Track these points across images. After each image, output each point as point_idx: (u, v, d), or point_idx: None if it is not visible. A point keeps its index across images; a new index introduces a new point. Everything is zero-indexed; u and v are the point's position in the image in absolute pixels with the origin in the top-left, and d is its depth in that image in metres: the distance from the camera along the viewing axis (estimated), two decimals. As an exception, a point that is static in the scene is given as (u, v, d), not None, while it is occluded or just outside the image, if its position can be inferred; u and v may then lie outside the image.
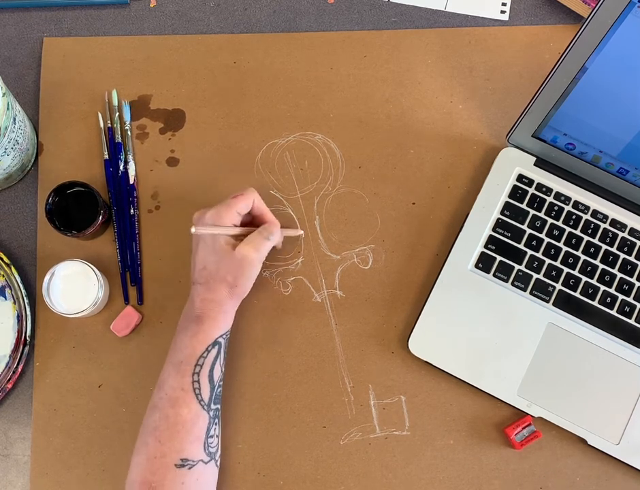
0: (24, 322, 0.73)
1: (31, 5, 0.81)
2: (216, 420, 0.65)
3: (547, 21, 0.82)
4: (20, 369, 0.73)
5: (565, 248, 0.74)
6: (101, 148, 0.78)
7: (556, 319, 0.73)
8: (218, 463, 0.66)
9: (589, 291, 0.73)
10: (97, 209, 0.72)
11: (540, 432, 0.71)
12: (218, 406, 0.66)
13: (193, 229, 0.64)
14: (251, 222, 0.71)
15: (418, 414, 0.73)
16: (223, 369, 0.67)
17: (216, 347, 0.65)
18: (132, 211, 0.76)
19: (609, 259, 0.74)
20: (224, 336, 0.66)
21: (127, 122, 0.78)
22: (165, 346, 0.73)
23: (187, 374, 0.64)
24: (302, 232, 0.76)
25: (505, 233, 0.74)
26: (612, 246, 0.74)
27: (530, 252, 0.74)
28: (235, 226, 0.67)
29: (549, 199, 0.75)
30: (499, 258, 0.74)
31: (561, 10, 0.82)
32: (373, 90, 0.80)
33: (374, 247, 0.77)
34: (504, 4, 0.82)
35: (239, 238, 0.67)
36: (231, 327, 0.68)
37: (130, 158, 0.77)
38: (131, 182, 0.76)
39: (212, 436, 0.64)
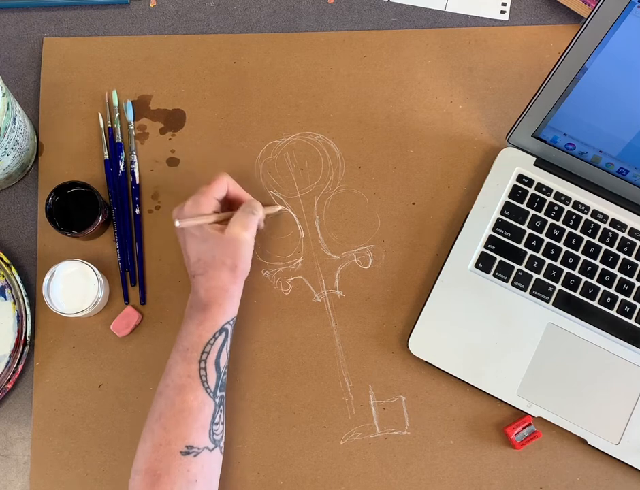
0: (24, 322, 0.73)
1: (31, 5, 0.81)
2: (221, 407, 0.66)
3: (547, 21, 0.82)
4: (20, 369, 0.73)
5: (565, 248, 0.74)
6: (101, 148, 0.78)
7: (556, 319, 0.73)
8: (223, 450, 0.66)
9: (589, 291, 0.73)
10: (97, 209, 0.72)
11: (540, 432, 0.72)
12: (224, 393, 0.66)
13: (177, 223, 0.64)
14: (229, 208, 0.71)
15: (418, 414, 0.73)
16: (229, 356, 0.67)
17: (223, 334, 0.65)
18: (137, 210, 0.76)
19: (609, 259, 0.74)
20: (230, 322, 0.66)
21: (131, 122, 0.78)
22: (165, 345, 0.74)
23: (194, 361, 0.64)
24: (281, 207, 0.76)
25: (505, 233, 0.74)
26: (612, 246, 0.74)
27: (530, 252, 0.74)
28: (216, 212, 0.68)
29: (549, 199, 0.75)
30: (499, 258, 0.74)
31: (561, 10, 0.82)
32: (373, 90, 0.80)
33: (374, 247, 0.77)
34: (504, 4, 0.82)
35: (224, 223, 0.68)
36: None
37: (134, 157, 0.77)
38: (137, 181, 0.77)
39: (217, 423, 0.65)
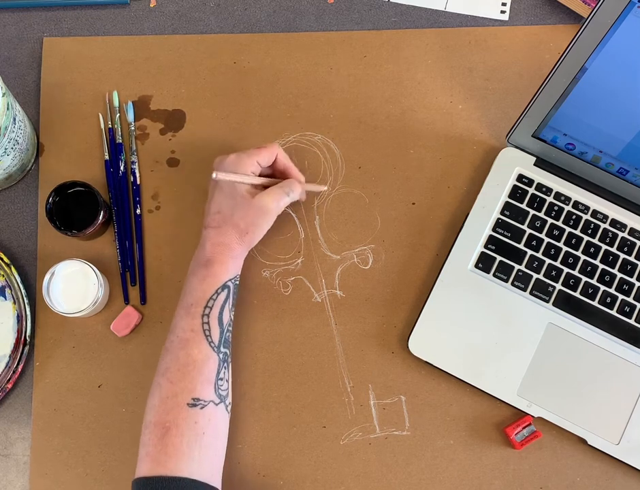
0: (24, 322, 0.73)
1: (31, 5, 0.81)
2: (225, 364, 0.66)
3: (547, 21, 0.82)
4: (20, 369, 0.73)
5: (565, 248, 0.74)
6: (101, 148, 0.78)
7: (556, 319, 0.73)
8: (229, 409, 0.67)
9: (589, 291, 0.73)
10: (97, 209, 0.72)
11: (540, 432, 0.72)
12: (227, 351, 0.67)
13: (214, 174, 0.65)
14: (272, 175, 0.72)
15: (418, 414, 0.73)
16: (232, 315, 0.68)
17: (225, 290, 0.66)
18: (138, 211, 0.76)
19: (609, 259, 0.74)
20: (233, 280, 0.67)
21: (132, 123, 0.78)
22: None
23: (197, 316, 0.65)
24: (326, 188, 0.77)
25: (505, 233, 0.74)
26: (612, 246, 0.74)
27: (530, 252, 0.74)
28: (255, 175, 0.69)
29: (549, 199, 0.75)
30: (499, 258, 0.74)
31: (561, 10, 0.82)
32: (373, 90, 0.80)
33: (374, 247, 0.77)
34: (504, 4, 0.82)
35: (257, 187, 0.69)
36: (240, 275, 0.69)
37: (135, 158, 0.77)
38: (138, 182, 0.77)
39: (221, 379, 0.65)
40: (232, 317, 0.68)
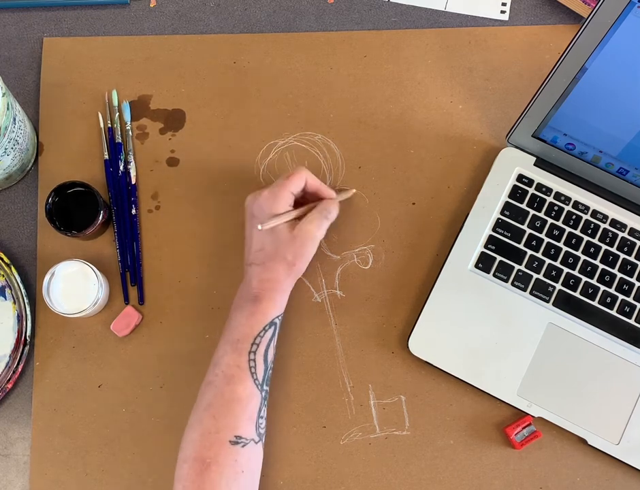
0: (24, 322, 0.73)
1: (31, 5, 0.81)
2: (265, 401, 0.66)
3: (547, 21, 0.82)
4: (20, 369, 0.73)
5: (565, 248, 0.74)
6: (101, 148, 0.78)
7: (556, 319, 0.73)
8: (264, 447, 0.67)
9: (589, 291, 0.73)
10: (97, 209, 0.72)
11: (540, 432, 0.72)
12: (268, 388, 0.67)
13: (259, 226, 0.66)
14: (303, 196, 0.71)
15: (418, 414, 0.73)
16: (275, 352, 0.67)
17: (272, 327, 0.66)
18: (134, 211, 0.76)
19: (609, 259, 0.74)
20: (279, 317, 0.67)
21: (128, 123, 0.78)
22: (165, 346, 0.74)
23: (244, 353, 0.64)
24: (355, 190, 0.76)
25: (505, 233, 0.74)
26: (612, 246, 0.74)
27: (529, 252, 0.74)
28: (292, 207, 0.69)
29: (549, 199, 0.75)
30: (499, 258, 0.74)
31: (561, 10, 0.82)
32: (373, 90, 0.80)
33: (374, 247, 0.77)
34: (504, 4, 0.82)
35: (296, 219, 0.69)
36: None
37: (131, 158, 0.77)
38: (133, 182, 0.76)
39: (262, 417, 0.65)
40: (275, 354, 0.68)
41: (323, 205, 0.69)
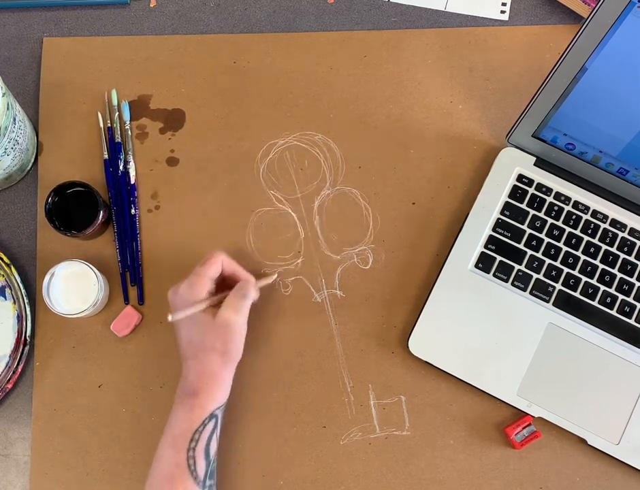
0: (24, 322, 0.73)
1: (31, 5, 0.81)
2: None
3: (547, 21, 0.82)
4: (20, 369, 0.73)
5: (565, 248, 0.74)
6: (101, 147, 0.78)
7: (556, 319, 0.73)
8: None
9: (589, 291, 0.73)
10: (97, 209, 0.72)
11: (540, 432, 0.72)
12: (213, 481, 0.64)
13: (169, 317, 0.64)
14: (223, 281, 0.69)
15: (418, 414, 0.73)
16: (218, 442, 0.65)
17: (213, 420, 0.64)
18: (133, 211, 0.76)
19: (609, 259, 0.74)
20: (221, 408, 0.65)
21: (127, 122, 0.78)
22: (165, 345, 0.74)
23: (182, 450, 0.62)
24: (277, 276, 0.74)
25: (505, 233, 0.74)
26: (612, 246, 0.74)
27: (530, 252, 0.74)
28: (210, 294, 0.67)
29: (549, 199, 0.75)
30: (499, 258, 0.74)
31: (561, 10, 0.82)
32: (373, 90, 0.80)
33: (374, 247, 0.77)
34: (504, 4, 0.82)
35: (217, 306, 0.66)
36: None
37: (130, 157, 0.77)
38: (132, 181, 0.76)
39: None
40: (218, 446, 0.66)
41: (239, 287, 0.67)
